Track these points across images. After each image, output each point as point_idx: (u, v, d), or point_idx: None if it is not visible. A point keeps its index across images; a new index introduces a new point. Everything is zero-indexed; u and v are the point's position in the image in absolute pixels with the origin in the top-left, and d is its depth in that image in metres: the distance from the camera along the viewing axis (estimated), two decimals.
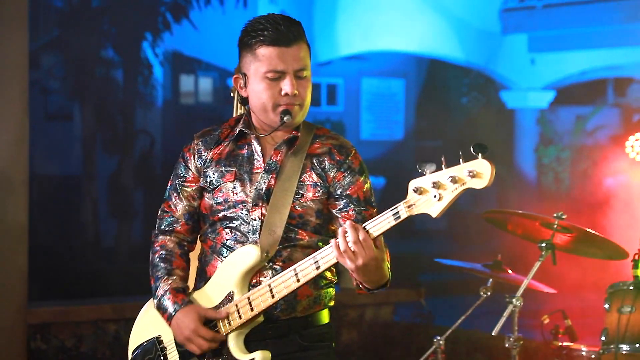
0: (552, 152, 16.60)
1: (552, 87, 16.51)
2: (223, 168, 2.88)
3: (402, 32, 15.89)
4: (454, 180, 2.61)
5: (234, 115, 3.43)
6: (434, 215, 2.75)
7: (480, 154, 2.64)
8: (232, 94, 3.54)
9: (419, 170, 2.65)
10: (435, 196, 2.67)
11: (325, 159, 2.91)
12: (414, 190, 2.66)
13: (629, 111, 16.77)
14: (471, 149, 2.65)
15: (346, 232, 2.66)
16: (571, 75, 16.39)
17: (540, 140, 16.81)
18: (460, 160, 2.63)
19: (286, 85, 2.75)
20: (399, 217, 2.68)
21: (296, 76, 2.77)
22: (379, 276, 2.77)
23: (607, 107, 17.69)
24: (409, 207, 2.66)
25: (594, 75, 16.93)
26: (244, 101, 2.91)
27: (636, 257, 4.72)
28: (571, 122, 17.07)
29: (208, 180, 2.91)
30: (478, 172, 2.61)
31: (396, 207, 2.67)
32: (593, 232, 4.73)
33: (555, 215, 4.49)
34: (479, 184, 2.65)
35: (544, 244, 4.55)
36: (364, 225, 2.69)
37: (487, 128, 17.58)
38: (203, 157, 2.90)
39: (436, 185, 2.65)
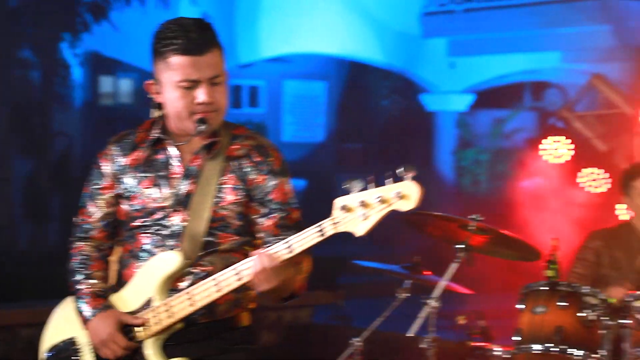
0: (471, 155, 16.75)
1: (471, 90, 16.67)
2: (140, 174, 2.84)
3: (324, 34, 15.95)
4: (381, 200, 2.63)
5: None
6: (358, 234, 2.76)
7: (407, 176, 2.67)
8: (149, 96, 3.54)
9: (346, 188, 2.67)
10: (361, 215, 2.69)
11: (245, 161, 2.89)
12: (340, 207, 2.67)
13: (545, 115, 16.62)
14: (398, 170, 2.67)
15: (258, 258, 2.67)
16: (490, 79, 16.63)
17: (459, 143, 16.94)
18: (388, 180, 2.66)
19: (201, 94, 2.72)
20: (324, 234, 2.69)
21: (211, 83, 2.74)
22: (288, 293, 2.82)
23: (524, 110, 17.94)
24: (334, 224, 2.67)
25: (512, 79, 17.18)
26: (159, 106, 2.87)
27: (553, 257, 4.90)
28: (489, 125, 17.27)
29: (124, 187, 2.87)
30: (405, 194, 2.64)
31: (321, 224, 2.69)
32: (508, 233, 4.85)
33: (471, 217, 4.59)
34: (406, 205, 2.67)
35: (460, 246, 4.63)
36: (288, 241, 2.69)
37: (407, 131, 17.83)
38: (118, 163, 2.86)
39: (363, 204, 2.67)
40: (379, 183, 2.74)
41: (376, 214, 2.69)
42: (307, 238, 2.73)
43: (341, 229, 2.72)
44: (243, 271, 2.70)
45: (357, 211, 2.69)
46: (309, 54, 16.74)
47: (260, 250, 2.70)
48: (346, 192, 2.71)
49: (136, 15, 13.21)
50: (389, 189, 2.66)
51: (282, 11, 15.78)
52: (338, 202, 2.69)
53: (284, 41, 15.96)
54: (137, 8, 13.09)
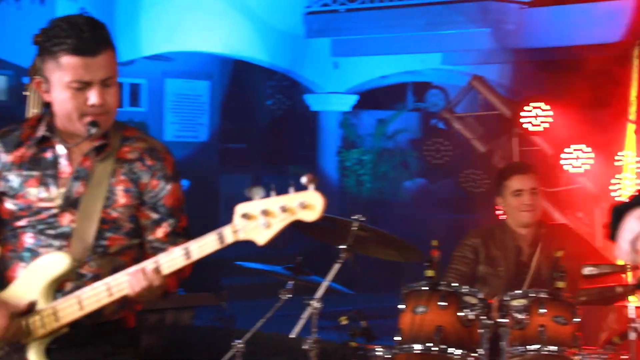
0: (354, 155, 16.87)
1: (354, 91, 16.80)
2: (25, 172, 2.77)
3: (207, 32, 15.84)
4: (284, 209, 2.60)
5: (27, 115, 3.36)
6: (260, 243, 2.73)
7: (311, 185, 2.65)
8: (25, 93, 3.46)
9: (247, 195, 2.64)
10: (263, 224, 2.65)
11: (137, 164, 2.85)
12: (241, 215, 2.64)
13: (427, 115, 17.28)
14: (303, 179, 2.65)
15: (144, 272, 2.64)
16: (373, 79, 16.66)
17: (343, 144, 17.03)
18: (291, 189, 2.63)
19: (92, 96, 2.67)
20: (223, 241, 2.66)
21: (103, 85, 2.69)
22: (161, 292, 2.80)
23: (407, 111, 18.12)
24: (234, 231, 2.65)
25: (395, 80, 17.14)
26: (47, 105, 2.80)
27: (433, 257, 4.96)
28: (373, 126, 17.47)
29: (9, 185, 2.79)
30: (309, 204, 2.62)
31: (221, 231, 2.66)
32: (389, 234, 4.89)
33: (353, 217, 4.62)
34: (309, 215, 2.65)
35: (342, 246, 4.64)
36: (186, 247, 2.66)
37: (292, 130, 17.99)
38: (2, 161, 2.79)
39: (265, 212, 2.64)
40: (282, 191, 2.72)
41: (279, 223, 2.66)
42: (205, 245, 2.69)
43: (242, 236, 2.70)
44: (132, 280, 2.66)
45: (259, 219, 2.66)
46: (191, 52, 16.54)
47: (151, 261, 2.66)
48: (248, 199, 2.69)
49: (11, 10, 12.88)
50: (293, 198, 2.63)
51: (163, 8, 15.57)
52: (239, 209, 2.66)
53: (165, 39, 15.79)
54: (12, 3, 12.76)
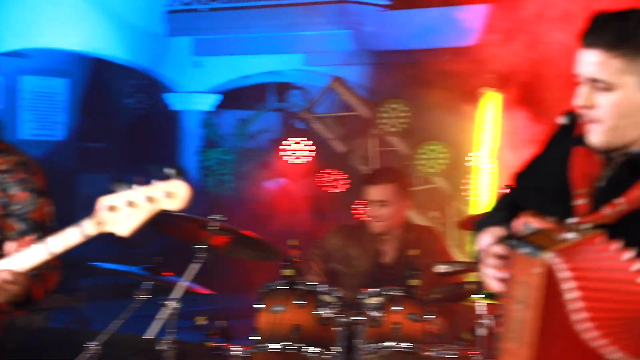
0: (216, 155, 16.82)
1: (216, 90, 16.84)
2: None
3: (65, 29, 15.52)
4: (148, 199, 2.60)
5: None
6: (124, 234, 2.73)
7: (175, 175, 2.66)
8: None
9: (111, 188, 2.64)
10: (127, 215, 2.66)
11: (8, 175, 2.87)
12: (105, 207, 2.63)
13: (288, 116, 17.30)
14: (165, 170, 2.66)
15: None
16: (234, 79, 16.70)
17: (204, 143, 16.97)
18: (155, 180, 2.64)
19: None
20: (85, 234, 2.65)
21: None
22: (23, 298, 2.81)
23: (268, 111, 18.21)
24: (98, 224, 2.64)
25: (256, 80, 17.22)
26: None
27: (291, 256, 5.04)
28: (234, 126, 17.47)
29: None
30: (173, 193, 2.62)
31: (82, 223, 2.65)
32: (248, 234, 4.95)
33: (212, 217, 4.68)
34: (173, 204, 2.65)
35: (200, 246, 4.67)
36: (46, 241, 2.65)
37: (152, 130, 17.82)
38: None
39: (130, 203, 2.63)
40: (146, 182, 2.73)
41: (143, 213, 2.67)
42: (67, 238, 2.67)
43: (105, 228, 2.68)
44: None
45: (123, 211, 2.66)
46: (47, 49, 16.17)
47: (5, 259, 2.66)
48: (111, 192, 2.68)
49: None
50: (157, 188, 2.63)
51: (19, 4, 15.20)
52: (103, 201, 2.65)
53: (20, 35, 15.40)
54: None
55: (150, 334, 4.76)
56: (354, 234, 5.79)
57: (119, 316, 5.12)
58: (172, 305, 4.76)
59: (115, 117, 18.44)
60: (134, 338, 6.69)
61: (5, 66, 17.04)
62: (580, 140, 2.90)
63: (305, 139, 8.76)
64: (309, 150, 8.72)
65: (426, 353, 4.97)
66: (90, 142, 18.14)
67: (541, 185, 2.94)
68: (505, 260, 2.71)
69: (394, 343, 4.94)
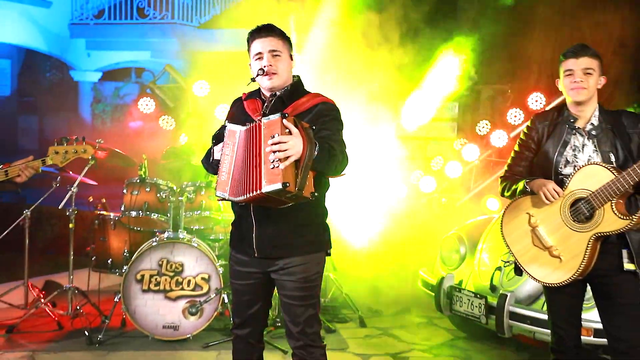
0: (101, 107, 16.10)
1: (100, 70, 15.99)
2: None
3: (8, 31, 14.34)
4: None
5: None
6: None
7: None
8: None
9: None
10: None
11: None
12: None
13: (142, 86, 16.23)
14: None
15: None
16: (111, 64, 15.86)
17: (93, 100, 16.13)
18: None
19: None
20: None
21: None
22: None
23: (131, 83, 17.14)
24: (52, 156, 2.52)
25: (124, 65, 16.34)
26: None
27: (142, 164, 4.98)
28: (111, 91, 16.58)
29: None
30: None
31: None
32: (118, 150, 4.85)
33: (98, 140, 4.37)
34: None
35: (89, 157, 3.89)
36: None
37: (63, 91, 16.78)
38: None
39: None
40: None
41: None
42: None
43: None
44: None
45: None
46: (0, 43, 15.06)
47: None
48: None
49: None
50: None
51: None
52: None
53: None
54: None
55: (61, 206, 4.73)
56: (175, 153, 5.75)
57: (43, 195, 5.11)
58: (73, 189, 4.80)
59: (40, 83, 17.63)
60: (53, 208, 6.52)
61: None
62: (249, 96, 3.02)
63: (152, 99, 7.33)
64: (154, 105, 7.30)
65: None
66: (25, 98, 17.70)
67: (234, 122, 2.94)
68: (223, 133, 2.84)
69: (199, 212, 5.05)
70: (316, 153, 2.63)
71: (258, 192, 2.58)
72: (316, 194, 2.68)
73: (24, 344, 4.61)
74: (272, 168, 2.55)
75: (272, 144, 2.55)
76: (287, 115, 2.61)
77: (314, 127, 2.69)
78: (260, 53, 2.83)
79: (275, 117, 2.58)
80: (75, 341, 4.69)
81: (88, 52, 15.77)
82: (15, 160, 3.20)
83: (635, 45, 6.92)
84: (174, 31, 14.13)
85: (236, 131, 2.70)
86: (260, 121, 2.61)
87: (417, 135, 7.23)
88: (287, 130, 2.57)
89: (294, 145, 2.56)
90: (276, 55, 2.83)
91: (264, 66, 2.80)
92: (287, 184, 2.55)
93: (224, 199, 2.76)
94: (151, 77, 13.99)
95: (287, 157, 2.55)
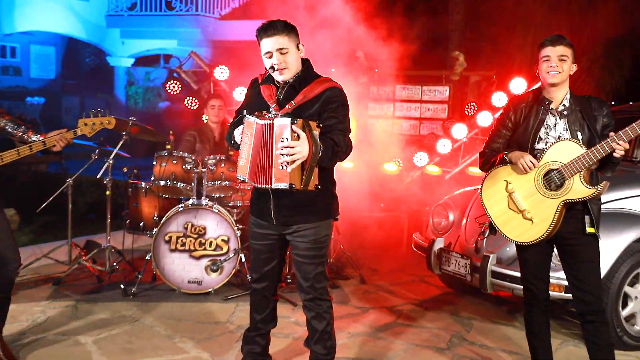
0: (134, 89, 16.19)
1: (133, 56, 16.29)
2: None
3: (52, 19, 14.80)
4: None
5: None
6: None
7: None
8: None
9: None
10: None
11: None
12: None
13: (170, 71, 16.00)
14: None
15: None
16: (142, 51, 16.15)
17: (127, 83, 16.28)
18: None
19: None
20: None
21: None
22: None
23: (161, 68, 17.21)
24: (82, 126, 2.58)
25: (154, 52, 16.58)
26: None
27: (169, 141, 4.85)
28: (142, 75, 16.70)
29: None
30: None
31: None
32: (148, 127, 4.63)
33: (130, 118, 4.36)
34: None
35: (124, 132, 4.36)
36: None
37: (101, 75, 17.23)
38: None
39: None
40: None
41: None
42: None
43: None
44: None
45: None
46: (44, 31, 15.22)
47: None
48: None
49: None
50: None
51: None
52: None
53: (27, 21, 14.56)
54: None
55: (99, 175, 4.68)
56: (201, 129, 5.48)
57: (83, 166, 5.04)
58: (109, 161, 4.73)
59: (80, 68, 17.91)
60: (92, 177, 6.44)
61: (23, 39, 16.84)
62: (264, 81, 2.98)
63: (178, 82, 7.28)
64: (180, 88, 7.22)
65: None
66: (68, 80, 17.83)
67: (252, 105, 2.94)
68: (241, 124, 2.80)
69: (219, 182, 4.83)
70: (321, 154, 2.66)
71: (269, 186, 2.65)
72: (319, 186, 2.72)
73: (69, 294, 4.69)
74: (281, 169, 2.60)
75: (281, 147, 2.58)
76: (296, 121, 2.62)
77: (320, 125, 2.70)
78: (269, 52, 2.81)
79: (286, 121, 2.60)
80: (112, 293, 4.76)
81: (122, 41, 15.87)
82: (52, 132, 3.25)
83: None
84: (197, 22, 14.46)
85: (253, 123, 2.71)
86: (273, 121, 2.61)
87: (412, 116, 7.34)
88: (296, 135, 2.59)
89: (301, 150, 2.60)
90: (284, 53, 2.80)
91: (274, 64, 2.80)
92: (293, 185, 2.62)
93: (244, 181, 2.70)
94: (177, 63, 11.83)
95: (294, 161, 2.59)
